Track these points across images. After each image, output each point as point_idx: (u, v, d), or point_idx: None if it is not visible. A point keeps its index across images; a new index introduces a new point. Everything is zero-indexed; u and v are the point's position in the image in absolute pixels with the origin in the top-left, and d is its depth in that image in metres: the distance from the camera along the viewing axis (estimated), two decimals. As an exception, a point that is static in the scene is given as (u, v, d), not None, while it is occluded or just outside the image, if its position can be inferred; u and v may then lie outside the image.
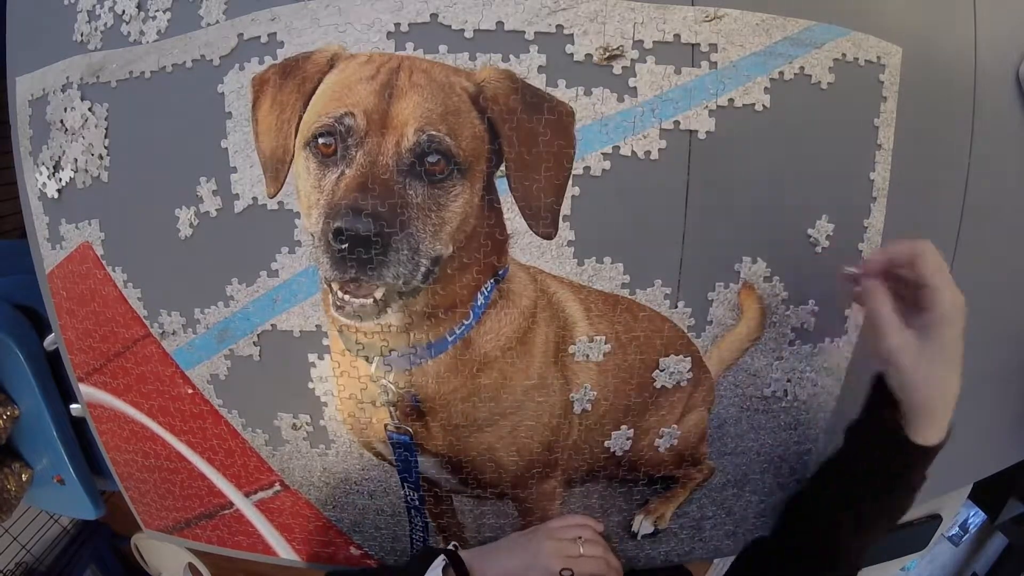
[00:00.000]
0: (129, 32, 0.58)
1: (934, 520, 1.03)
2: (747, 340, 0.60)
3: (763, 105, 0.55)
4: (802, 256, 0.59)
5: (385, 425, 0.59)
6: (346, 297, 0.51)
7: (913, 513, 0.98)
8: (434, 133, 0.49)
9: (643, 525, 0.67)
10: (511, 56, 0.52)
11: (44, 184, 0.65)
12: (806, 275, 0.59)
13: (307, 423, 0.61)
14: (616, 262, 0.56)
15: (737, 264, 0.58)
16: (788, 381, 0.62)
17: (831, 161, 0.58)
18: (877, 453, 0.52)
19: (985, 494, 1.49)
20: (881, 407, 0.51)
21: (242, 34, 0.55)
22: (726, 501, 0.67)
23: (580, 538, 0.58)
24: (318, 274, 0.56)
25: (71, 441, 0.80)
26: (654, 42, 0.53)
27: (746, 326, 0.60)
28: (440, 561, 0.55)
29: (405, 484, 0.63)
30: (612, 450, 0.61)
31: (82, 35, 0.60)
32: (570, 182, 0.53)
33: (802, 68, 0.55)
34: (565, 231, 0.54)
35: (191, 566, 1.34)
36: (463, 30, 0.52)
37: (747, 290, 0.58)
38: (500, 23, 0.52)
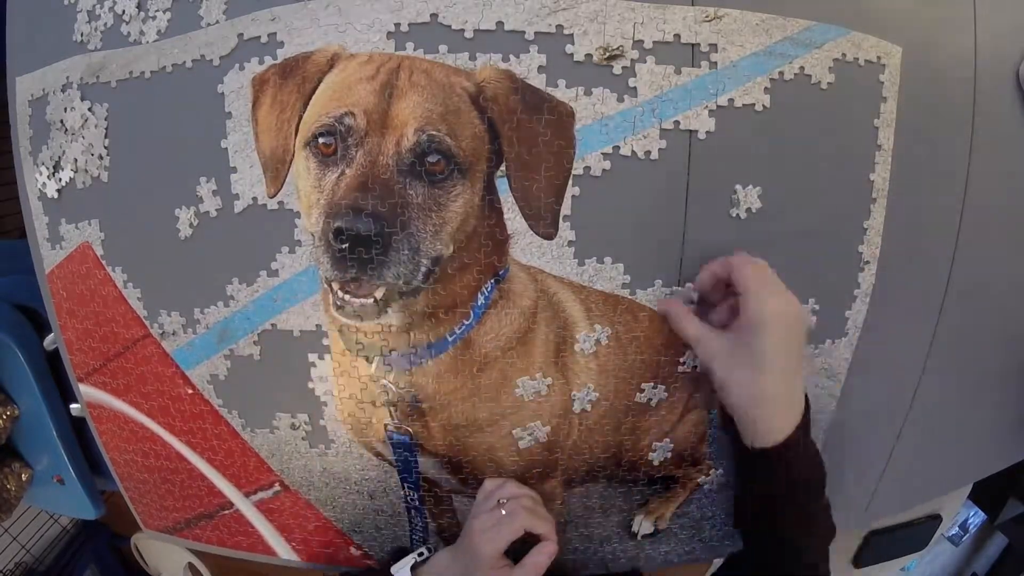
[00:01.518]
0: (129, 32, 0.58)
1: (934, 520, 1.03)
2: (747, 340, 0.60)
3: (763, 105, 0.55)
4: (802, 256, 0.59)
5: (385, 425, 0.59)
6: (346, 297, 0.51)
7: (913, 513, 0.99)
8: (434, 133, 0.49)
9: (643, 525, 0.67)
10: (511, 56, 0.52)
11: (44, 184, 0.65)
12: (806, 275, 0.59)
13: (305, 423, 0.61)
14: (616, 262, 0.56)
15: (737, 264, 0.58)
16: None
17: (831, 161, 0.58)
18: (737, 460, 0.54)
19: (985, 494, 1.49)
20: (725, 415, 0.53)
21: (242, 34, 0.55)
22: (726, 501, 0.67)
23: (500, 502, 0.56)
24: (318, 274, 0.56)
25: (71, 441, 0.80)
26: (654, 42, 0.53)
27: (746, 326, 0.59)
28: (410, 559, 0.56)
29: (405, 484, 0.63)
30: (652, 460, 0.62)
31: (82, 35, 0.60)
32: (570, 182, 0.53)
33: (802, 68, 0.55)
34: (565, 231, 0.54)
35: (191, 566, 1.34)
36: (463, 30, 0.52)
37: (747, 290, 0.58)
38: (500, 23, 0.52)
